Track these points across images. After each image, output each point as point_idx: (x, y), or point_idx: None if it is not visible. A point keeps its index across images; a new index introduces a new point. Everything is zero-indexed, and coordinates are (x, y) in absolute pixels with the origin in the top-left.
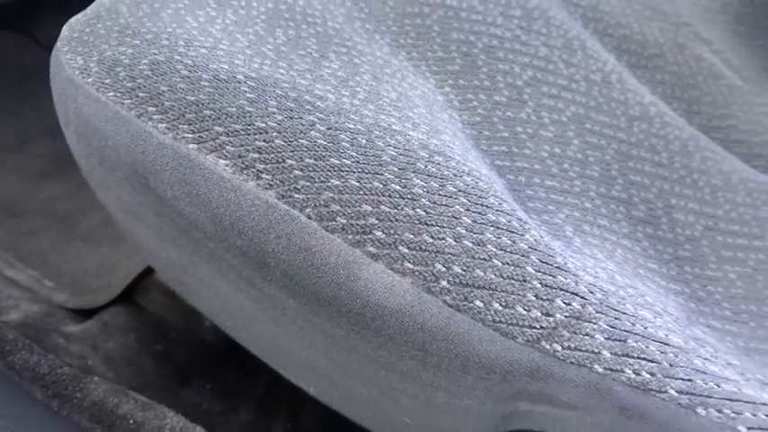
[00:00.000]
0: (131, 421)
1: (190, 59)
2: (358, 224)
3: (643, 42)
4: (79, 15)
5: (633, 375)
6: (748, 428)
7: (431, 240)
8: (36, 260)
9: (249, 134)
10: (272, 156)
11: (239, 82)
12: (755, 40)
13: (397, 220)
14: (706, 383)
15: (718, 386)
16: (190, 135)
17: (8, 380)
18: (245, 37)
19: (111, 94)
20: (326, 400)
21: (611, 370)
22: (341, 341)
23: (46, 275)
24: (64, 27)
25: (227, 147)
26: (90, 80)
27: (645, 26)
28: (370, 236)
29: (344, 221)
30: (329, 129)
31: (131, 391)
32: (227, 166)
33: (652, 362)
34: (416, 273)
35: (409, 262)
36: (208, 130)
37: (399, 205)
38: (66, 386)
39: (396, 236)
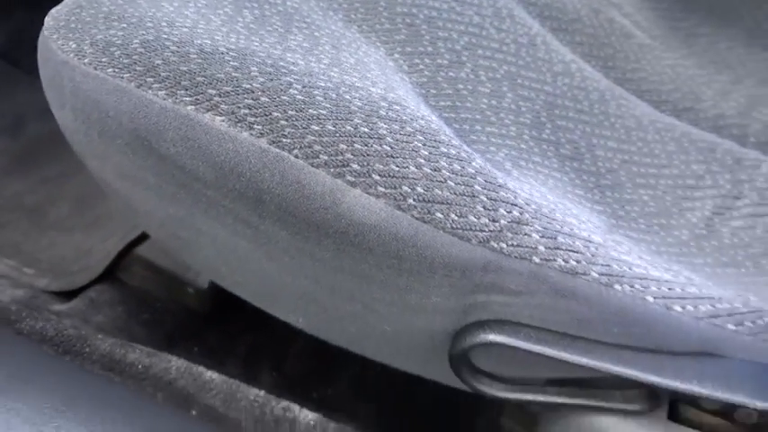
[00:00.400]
0: (140, 366)
1: (176, 37)
2: (337, 159)
3: (563, 9)
4: (59, 6)
5: (563, 263)
6: (654, 298)
7: (397, 169)
8: (10, 251)
9: (238, 94)
10: (260, 110)
11: (222, 53)
12: (661, 4)
13: (368, 155)
14: (621, 268)
15: (630, 269)
16: (188, 98)
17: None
18: (217, 17)
19: (110, 70)
20: (314, 327)
21: (546, 260)
22: (328, 262)
23: (24, 264)
24: (47, 18)
25: (221, 105)
26: (87, 60)
27: None
28: (347, 168)
29: (326, 158)
30: (304, 87)
31: (134, 343)
32: (222, 121)
33: (577, 252)
34: (387, 194)
35: (381, 186)
36: (202, 93)
37: (369, 143)
38: (74, 344)
39: (368, 167)
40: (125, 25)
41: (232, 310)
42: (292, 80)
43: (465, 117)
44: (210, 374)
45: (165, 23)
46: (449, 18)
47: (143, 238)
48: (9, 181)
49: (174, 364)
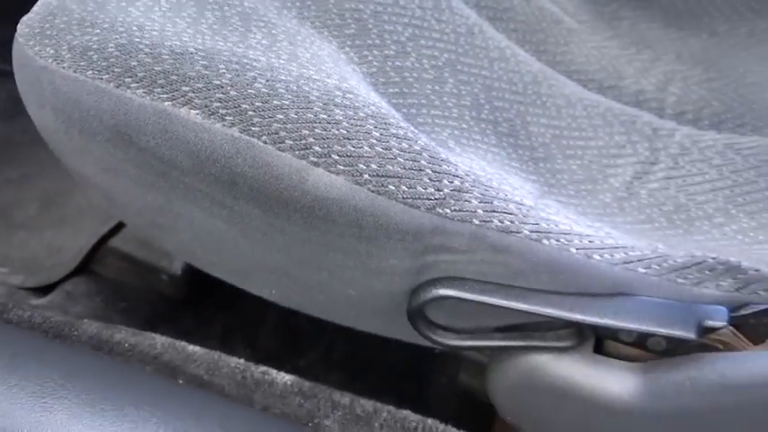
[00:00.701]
0: (126, 345)
1: (147, 40)
2: (300, 143)
3: None
4: (30, 15)
5: (499, 224)
6: (576, 249)
7: (353, 149)
8: None
9: (210, 90)
10: (230, 103)
11: (192, 53)
12: None
13: (327, 138)
14: (548, 225)
15: (557, 226)
16: (164, 95)
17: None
18: (182, 20)
19: (89, 72)
20: (286, 298)
21: (485, 222)
22: (297, 235)
23: None
24: (19, 26)
25: (195, 100)
26: (66, 65)
27: None
28: (310, 150)
29: (291, 143)
30: (267, 81)
31: (119, 325)
32: (197, 114)
33: (511, 214)
34: (346, 172)
35: (340, 165)
36: (177, 90)
37: (327, 128)
38: (62, 329)
39: (328, 149)
40: (99, 31)
41: (204, 295)
42: (256, 75)
43: (412, 102)
44: (192, 348)
45: (135, 27)
46: (393, 12)
47: (115, 230)
48: None
49: (159, 341)
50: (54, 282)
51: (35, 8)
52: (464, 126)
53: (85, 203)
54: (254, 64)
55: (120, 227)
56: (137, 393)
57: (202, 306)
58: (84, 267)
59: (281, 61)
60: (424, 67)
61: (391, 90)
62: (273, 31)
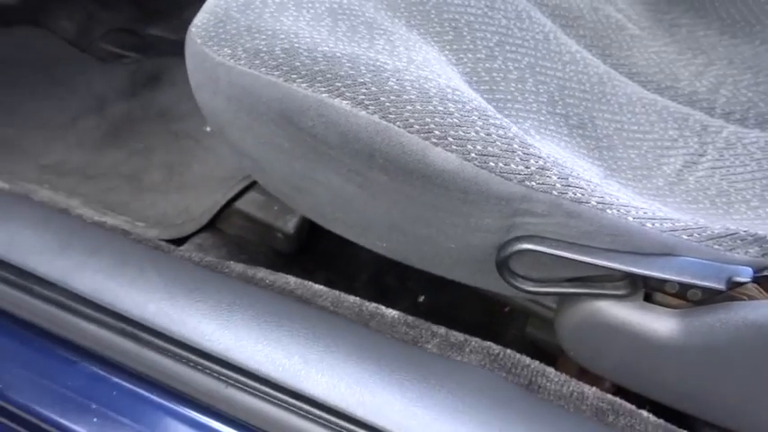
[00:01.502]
0: (267, 281)
1: (304, 45)
2: (425, 128)
3: (569, 8)
4: (199, 21)
5: (572, 195)
6: (633, 218)
7: (463, 134)
8: (122, 209)
9: (356, 86)
10: (372, 96)
11: (339, 57)
12: None
13: (444, 125)
14: (611, 198)
15: (618, 200)
16: (322, 89)
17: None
18: (323, 29)
19: (262, 69)
20: (394, 251)
21: (562, 193)
22: (415, 198)
23: (135, 219)
24: (192, 28)
25: (346, 93)
26: (242, 62)
27: None
28: (431, 134)
29: (418, 127)
30: (398, 80)
31: (259, 266)
32: (347, 104)
33: (582, 188)
34: (458, 151)
35: (454, 146)
36: (332, 85)
37: (444, 117)
38: (215, 267)
39: (445, 133)
40: (264, 37)
41: (307, 253)
42: (389, 75)
43: (499, 98)
44: (318, 286)
45: (292, 35)
46: (483, 21)
47: (239, 195)
48: (105, 153)
49: (291, 280)
50: (185, 236)
51: (203, 17)
52: (542, 118)
53: (201, 172)
54: (386, 66)
55: (243, 192)
56: (284, 313)
57: (305, 262)
58: (211, 225)
59: (403, 64)
60: (508, 68)
61: (482, 87)
62: (391, 38)
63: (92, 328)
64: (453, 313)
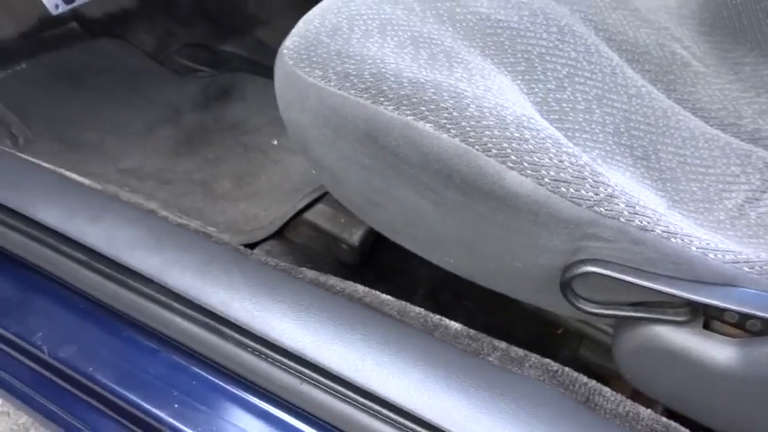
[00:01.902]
0: (338, 288)
1: (390, 71)
2: (502, 153)
3: (635, 44)
4: (291, 44)
5: (639, 223)
6: (696, 248)
7: (537, 160)
8: (195, 214)
9: (439, 110)
10: (454, 121)
11: (423, 83)
12: (714, 37)
13: (520, 151)
14: (675, 228)
15: (681, 230)
16: (408, 111)
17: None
18: (406, 56)
19: (352, 91)
20: (459, 267)
21: (628, 220)
22: (488, 217)
23: (207, 224)
24: (284, 51)
25: (429, 117)
26: (332, 84)
27: (636, 32)
28: (508, 158)
29: (495, 152)
30: (477, 107)
31: (329, 275)
32: (430, 126)
33: (647, 217)
34: (532, 175)
35: (528, 170)
36: (417, 109)
37: (520, 144)
38: (290, 272)
39: (521, 158)
40: (354, 62)
41: (368, 266)
42: (469, 102)
43: (568, 127)
44: (385, 296)
45: (378, 61)
46: (554, 54)
47: (308, 206)
48: (179, 161)
49: (360, 288)
50: (255, 242)
51: (294, 40)
52: (608, 149)
53: (268, 183)
54: (466, 93)
55: (311, 204)
56: (356, 318)
57: (366, 274)
58: (279, 233)
59: (481, 91)
60: (577, 99)
61: (552, 116)
62: (468, 67)
63: (177, 320)
64: (507, 332)
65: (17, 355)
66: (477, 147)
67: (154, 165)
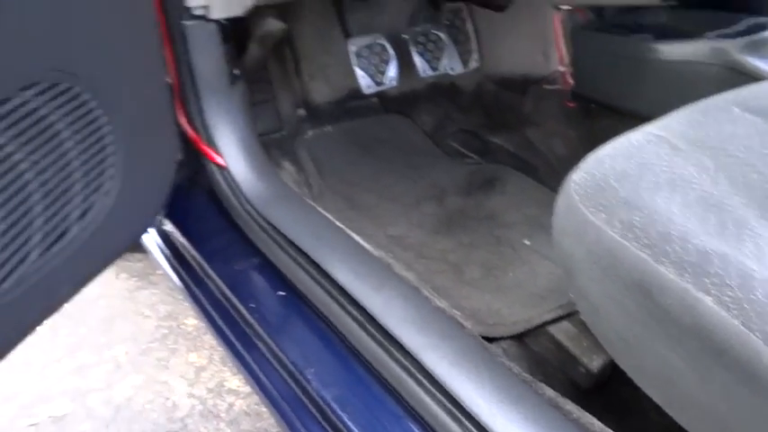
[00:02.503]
0: (574, 415)
1: (676, 233)
2: None
3: None
4: (578, 179)
5: None
6: None
7: None
8: (443, 294)
9: (723, 286)
10: (736, 301)
11: (709, 254)
12: None
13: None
14: None
15: None
16: (689, 279)
17: None
18: (694, 218)
19: (634, 243)
20: (671, 405)
21: None
22: (753, 402)
23: (452, 306)
24: (571, 185)
25: (711, 290)
26: (615, 230)
27: None
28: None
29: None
30: (764, 291)
31: (568, 400)
32: (710, 300)
33: None
34: None
35: None
36: (700, 279)
37: None
38: (530, 384)
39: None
40: (641, 214)
41: (598, 394)
42: (756, 285)
43: None
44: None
45: (666, 219)
46: None
47: (554, 320)
48: (438, 238)
49: (597, 424)
50: (494, 336)
51: (582, 176)
52: None
53: (515, 281)
54: (754, 275)
55: (557, 319)
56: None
57: (594, 401)
58: (518, 335)
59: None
60: None
61: None
62: (758, 242)
63: (426, 399)
64: None
65: (287, 377)
66: (757, 333)
67: (416, 237)
